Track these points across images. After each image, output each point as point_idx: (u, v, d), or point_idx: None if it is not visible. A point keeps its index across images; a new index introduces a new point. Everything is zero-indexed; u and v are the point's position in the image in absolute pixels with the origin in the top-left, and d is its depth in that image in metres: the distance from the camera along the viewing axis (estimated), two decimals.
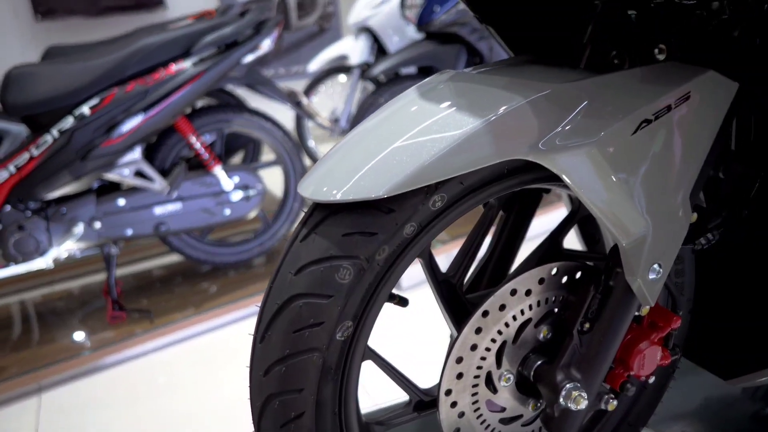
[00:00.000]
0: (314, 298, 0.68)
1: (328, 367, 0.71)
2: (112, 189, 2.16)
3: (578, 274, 0.84)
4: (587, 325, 0.82)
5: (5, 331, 2.17)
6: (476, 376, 0.82)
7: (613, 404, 0.87)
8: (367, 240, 0.68)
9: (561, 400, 0.80)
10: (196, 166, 2.28)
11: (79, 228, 2.06)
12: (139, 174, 2.13)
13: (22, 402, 1.80)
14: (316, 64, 3.50)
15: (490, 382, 0.84)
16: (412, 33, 3.16)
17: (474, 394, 0.83)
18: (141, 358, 1.97)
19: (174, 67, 2.06)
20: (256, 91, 2.34)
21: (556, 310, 0.85)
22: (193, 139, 2.20)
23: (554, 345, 0.84)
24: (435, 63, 2.82)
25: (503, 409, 0.87)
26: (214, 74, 2.10)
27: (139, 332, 2.03)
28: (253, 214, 2.37)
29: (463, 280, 0.86)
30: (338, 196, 0.65)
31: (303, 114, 2.49)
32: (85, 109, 1.94)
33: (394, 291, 0.80)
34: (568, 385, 0.80)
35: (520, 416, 0.89)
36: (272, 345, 0.70)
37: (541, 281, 0.82)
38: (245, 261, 2.45)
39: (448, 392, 0.81)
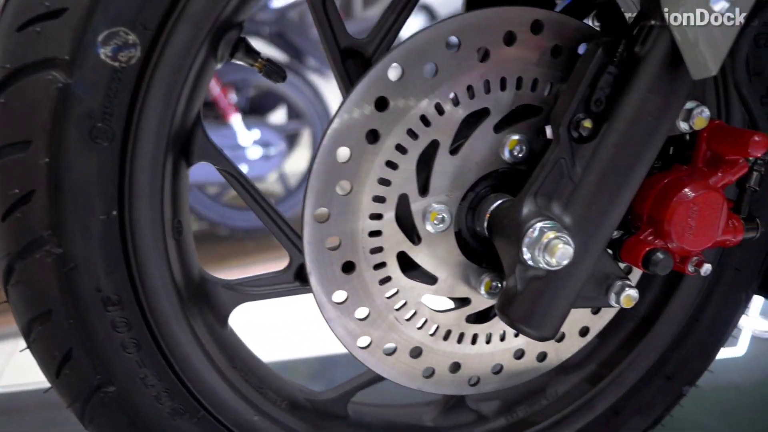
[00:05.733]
0: None
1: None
2: None
3: (580, 46, 0.48)
4: (587, 124, 0.45)
5: None
6: (378, 199, 0.48)
7: (629, 297, 0.49)
8: None
9: (523, 250, 0.45)
10: (212, 115, 2.08)
11: None
12: None
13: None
14: None
15: (406, 219, 0.49)
16: None
17: (374, 234, 0.48)
18: None
19: None
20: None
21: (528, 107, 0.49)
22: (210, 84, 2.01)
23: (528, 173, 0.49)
24: None
25: (432, 280, 0.51)
26: None
27: None
28: (272, 176, 2.13)
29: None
30: None
31: None
32: None
33: None
34: (539, 224, 0.44)
35: (466, 302, 0.53)
36: None
37: (509, 38, 0.46)
38: (259, 228, 2.20)
39: (324, 217, 0.47)
